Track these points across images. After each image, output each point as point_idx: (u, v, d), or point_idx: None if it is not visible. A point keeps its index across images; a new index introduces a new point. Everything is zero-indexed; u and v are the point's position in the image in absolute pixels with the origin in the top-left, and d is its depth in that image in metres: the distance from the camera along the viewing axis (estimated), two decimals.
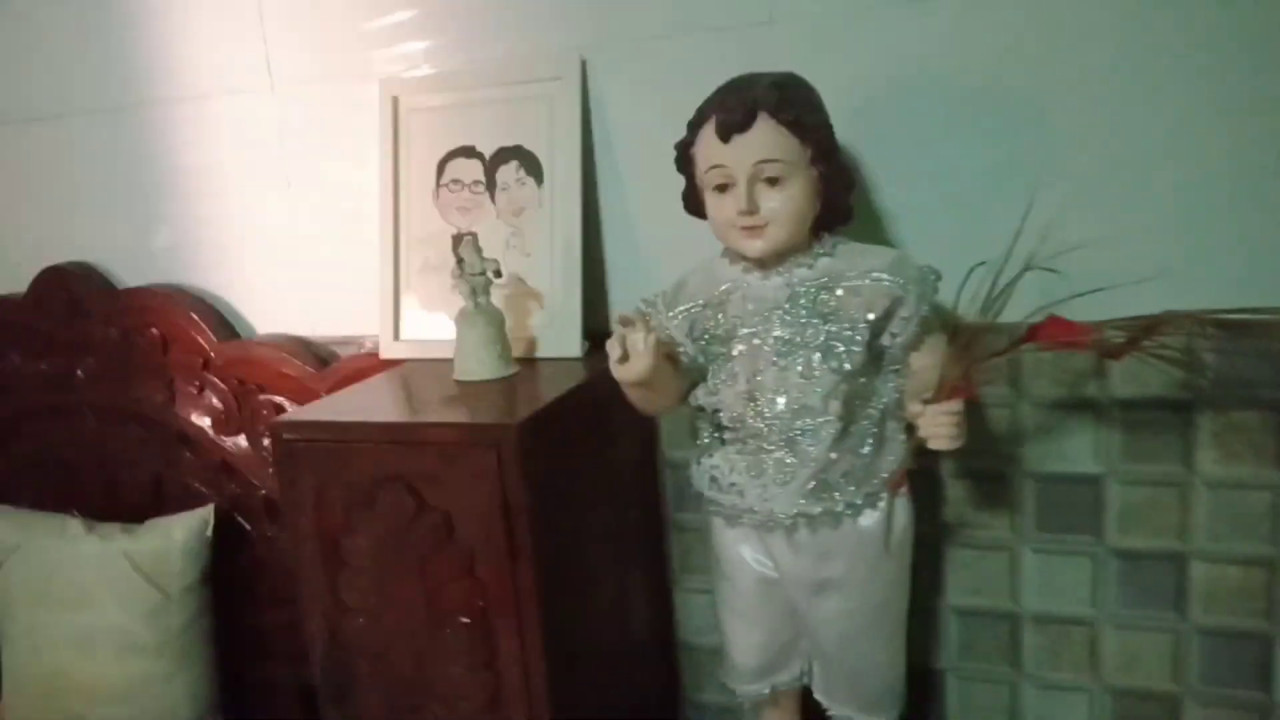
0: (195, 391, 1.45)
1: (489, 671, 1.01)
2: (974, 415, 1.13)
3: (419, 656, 1.04)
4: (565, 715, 1.03)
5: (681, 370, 1.04)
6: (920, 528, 1.11)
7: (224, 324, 1.47)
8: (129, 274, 1.52)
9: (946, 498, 1.21)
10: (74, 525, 1.40)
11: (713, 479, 1.06)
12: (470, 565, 1.00)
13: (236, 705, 1.41)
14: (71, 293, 1.52)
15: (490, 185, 1.29)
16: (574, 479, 1.11)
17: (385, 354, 1.32)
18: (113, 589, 1.34)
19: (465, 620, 1.01)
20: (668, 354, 1.02)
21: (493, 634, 1.01)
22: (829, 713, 1.11)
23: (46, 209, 1.57)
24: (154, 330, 1.47)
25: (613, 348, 0.96)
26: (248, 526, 1.44)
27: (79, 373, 1.51)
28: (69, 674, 1.35)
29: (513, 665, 1.01)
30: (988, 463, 1.18)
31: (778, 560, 1.04)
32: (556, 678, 1.02)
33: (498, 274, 1.19)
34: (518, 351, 1.22)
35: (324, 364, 1.41)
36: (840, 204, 1.00)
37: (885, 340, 0.99)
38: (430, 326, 1.30)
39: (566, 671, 1.04)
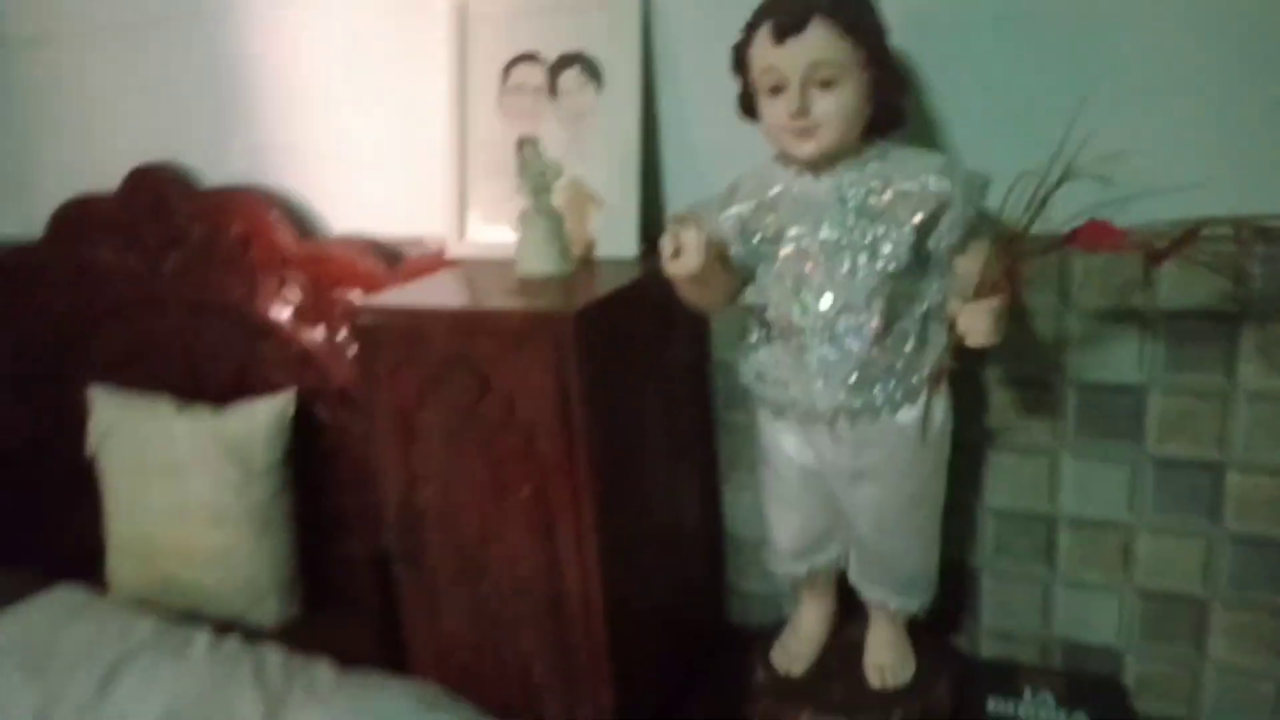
0: (274, 287, 1.58)
1: (547, 540, 1.14)
2: (1020, 323, 1.20)
3: (483, 524, 1.17)
4: (615, 582, 1.16)
5: (732, 269, 1.13)
6: (963, 432, 1.19)
7: (301, 223, 1.59)
8: (213, 174, 1.65)
9: (990, 403, 1.28)
10: (166, 406, 1.57)
11: (759, 374, 1.15)
12: (530, 443, 1.12)
13: (315, 574, 1.57)
14: (159, 191, 1.65)
15: (552, 91, 1.37)
16: (628, 370, 1.21)
17: (451, 253, 1.43)
18: (202, 464, 1.50)
19: (525, 493, 1.13)
20: (719, 254, 1.10)
21: (550, 506, 1.13)
22: (862, 595, 1.21)
23: (135, 112, 1.70)
24: (236, 228, 1.60)
25: (666, 245, 1.05)
26: (323, 415, 1.57)
27: (166, 267, 1.65)
28: (163, 540, 1.52)
29: (568, 535, 1.13)
30: (1032, 370, 1.24)
31: (819, 451, 1.14)
32: (608, 550, 1.15)
33: (558, 176, 1.28)
34: (576, 251, 1.31)
35: (393, 262, 1.52)
36: (892, 108, 1.06)
37: (931, 243, 1.05)
38: (494, 227, 1.40)
39: (617, 546, 1.17)
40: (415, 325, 1.16)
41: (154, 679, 1.22)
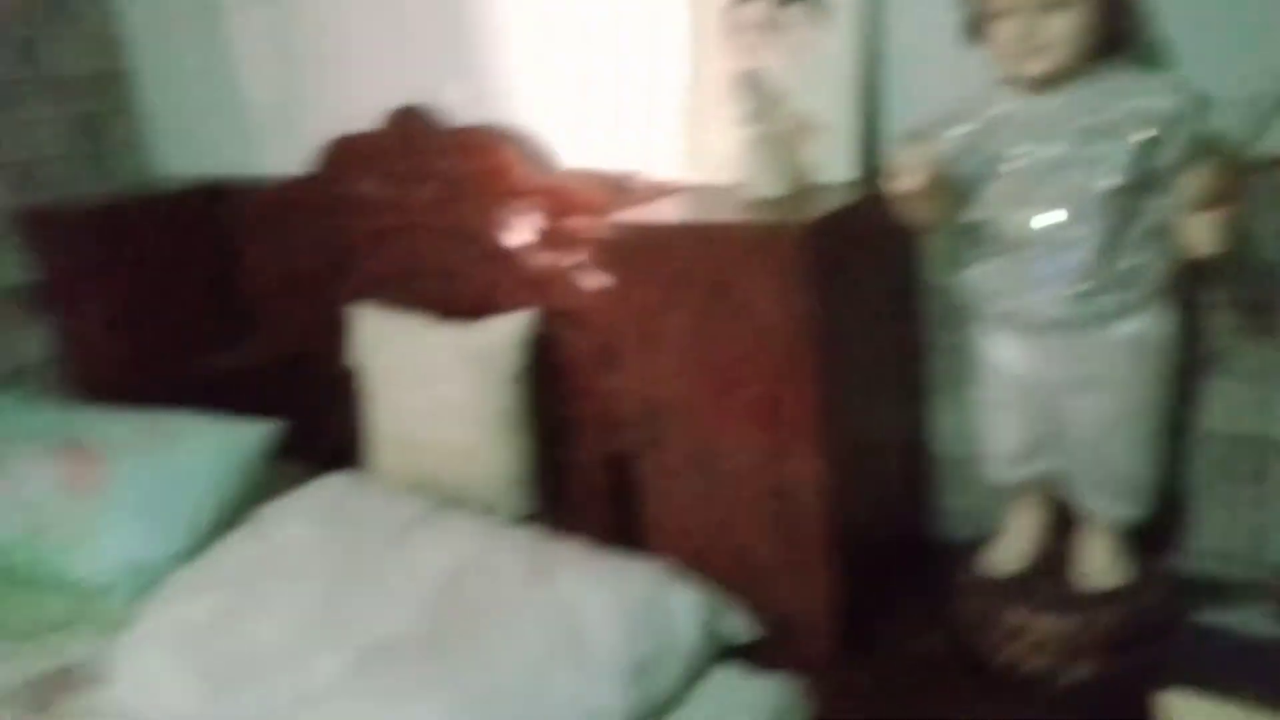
0: (513, 216, 1.82)
1: (772, 431, 1.33)
2: (1240, 246, 1.25)
3: (715, 415, 1.37)
4: (837, 477, 1.34)
5: (953, 187, 1.25)
6: (1182, 353, 1.27)
7: (539, 157, 1.82)
8: (462, 113, 1.90)
9: (1210, 326, 1.34)
10: (423, 320, 1.84)
11: (981, 287, 1.28)
12: (761, 345, 1.30)
13: (551, 472, 1.83)
14: (412, 130, 1.92)
15: (776, 25, 1.52)
16: (848, 286, 1.37)
17: (679, 180, 1.61)
18: (453, 372, 1.77)
19: (754, 387, 1.32)
20: (941, 172, 1.23)
21: (779, 403, 1.32)
22: (1078, 505, 1.32)
23: (389, 56, 1.97)
24: (479, 163, 1.84)
25: (890, 163, 1.19)
26: (552, 332, 1.80)
27: (419, 198, 1.93)
28: (421, 437, 1.81)
29: (795, 430, 1.32)
30: (1252, 294, 1.30)
31: (1040, 361, 1.25)
32: (830, 446, 1.32)
33: (780, 106, 1.44)
34: (799, 176, 1.46)
35: (620, 192, 1.72)
36: (1118, 29, 1.15)
37: (1155, 160, 1.15)
38: (720, 156, 1.57)
39: (838, 444, 1.34)
40: (658, 238, 1.36)
41: (436, 539, 1.49)
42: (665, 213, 1.45)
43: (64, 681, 1.53)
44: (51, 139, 2.28)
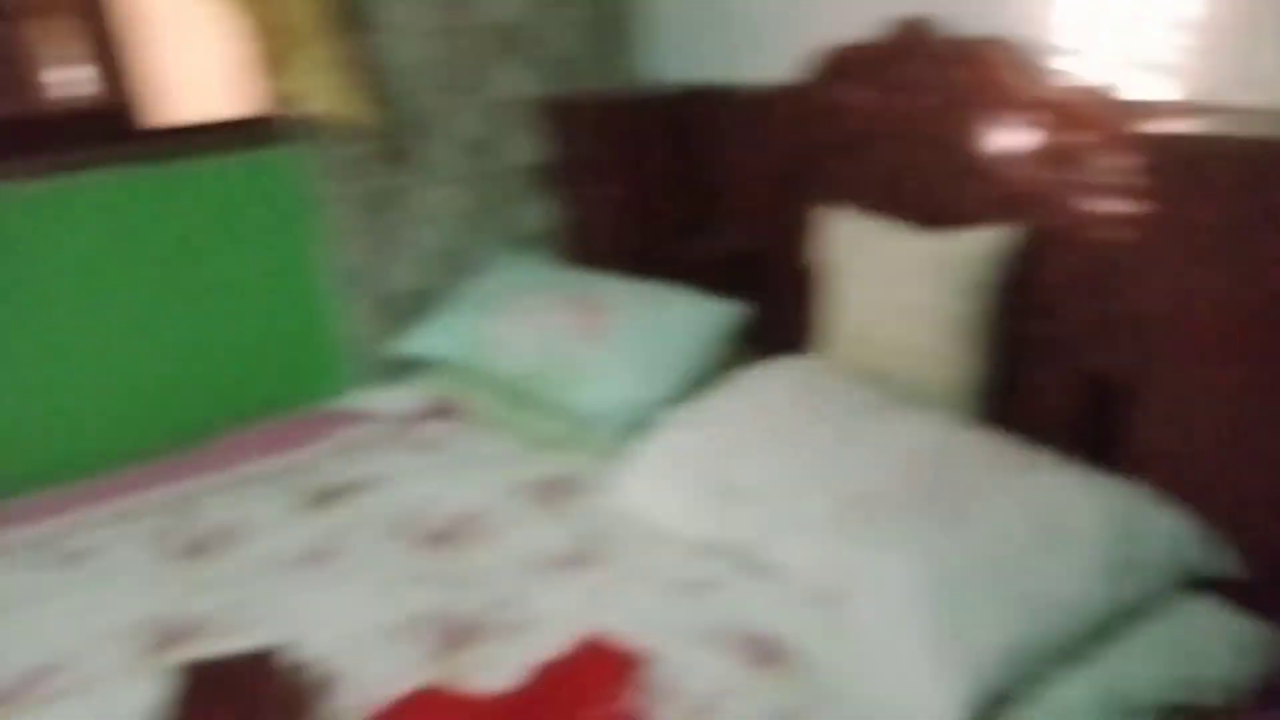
0: (1009, 129, 1.83)
1: None
2: None
3: (1244, 346, 1.33)
4: None
5: None
6: None
7: (1041, 70, 1.81)
8: (962, 24, 1.92)
9: None
10: (897, 227, 1.92)
11: None
12: None
13: (1006, 387, 1.86)
14: (917, 40, 1.98)
15: None
16: None
17: (1197, 100, 1.53)
18: (923, 278, 1.84)
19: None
20: None
21: None
22: None
23: None
24: (981, 74, 1.86)
25: None
26: (1036, 248, 1.80)
27: (905, 107, 1.99)
28: (877, 336, 1.92)
29: None
30: None
31: None
32: None
33: None
34: None
35: (1131, 111, 1.66)
36: None
37: None
38: (1272, 76, 1.47)
39: None
40: (1213, 152, 1.31)
41: (909, 418, 1.59)
42: (1215, 126, 1.39)
43: (566, 485, 1.84)
44: (573, 38, 2.62)
